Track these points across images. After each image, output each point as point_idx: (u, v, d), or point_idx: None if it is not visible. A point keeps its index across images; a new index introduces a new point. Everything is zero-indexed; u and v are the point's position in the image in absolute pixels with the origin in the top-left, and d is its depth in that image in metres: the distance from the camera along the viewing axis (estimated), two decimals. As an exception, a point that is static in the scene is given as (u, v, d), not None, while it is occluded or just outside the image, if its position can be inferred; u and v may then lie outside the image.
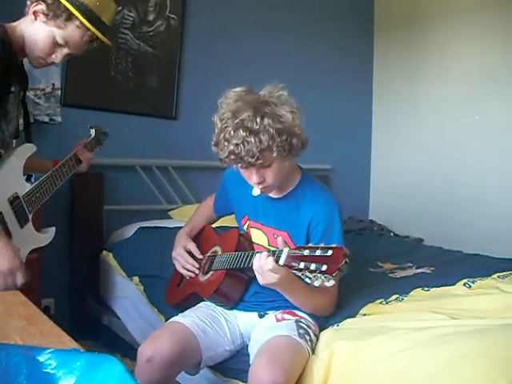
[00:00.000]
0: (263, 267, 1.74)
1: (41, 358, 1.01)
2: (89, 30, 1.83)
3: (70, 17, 1.80)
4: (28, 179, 2.13)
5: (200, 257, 2.24)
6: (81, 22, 1.81)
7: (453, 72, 4.35)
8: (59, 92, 3.35)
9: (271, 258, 1.71)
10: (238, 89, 1.90)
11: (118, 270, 3.10)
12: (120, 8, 3.57)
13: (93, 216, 3.42)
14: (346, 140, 4.64)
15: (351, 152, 4.70)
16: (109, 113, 3.46)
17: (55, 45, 1.85)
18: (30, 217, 1.97)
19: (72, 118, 3.34)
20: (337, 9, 4.56)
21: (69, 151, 2.27)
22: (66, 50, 1.86)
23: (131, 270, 2.98)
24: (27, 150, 2.01)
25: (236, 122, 1.79)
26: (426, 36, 4.51)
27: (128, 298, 3.04)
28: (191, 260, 2.25)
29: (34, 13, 1.83)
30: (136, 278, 2.89)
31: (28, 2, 1.86)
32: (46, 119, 3.30)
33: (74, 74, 3.43)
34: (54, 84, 3.34)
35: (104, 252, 3.30)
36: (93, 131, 2.42)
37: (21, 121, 2.24)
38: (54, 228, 2.10)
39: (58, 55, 1.87)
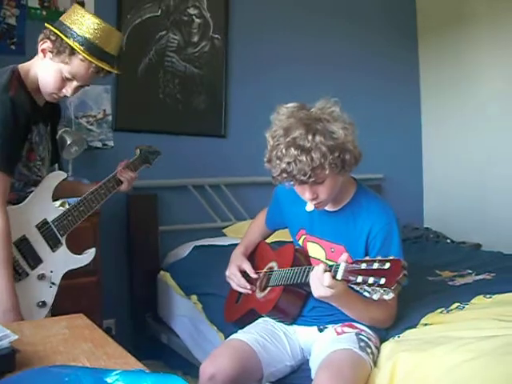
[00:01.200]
0: (319, 282, 1.74)
1: (109, 380, 1.03)
2: (92, 62, 1.87)
3: (72, 51, 1.85)
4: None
5: (255, 276, 2.24)
6: (84, 56, 1.85)
7: (502, 73, 4.26)
8: (110, 118, 3.44)
9: (328, 274, 1.70)
10: (290, 105, 1.90)
11: (175, 289, 3.13)
12: (165, 32, 3.64)
13: (148, 237, 3.48)
14: (396, 148, 4.59)
15: (402, 160, 4.64)
16: (159, 134, 3.52)
17: (64, 79, 1.90)
18: (64, 240, 2.03)
19: (124, 141, 3.41)
20: (378, 13, 4.52)
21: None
22: (75, 83, 1.92)
23: (189, 288, 3.01)
24: (56, 177, 2.07)
25: (288, 140, 1.79)
26: (472, 37, 4.42)
27: (186, 316, 3.07)
28: (243, 281, 2.25)
29: (43, 51, 1.90)
30: (194, 297, 2.92)
31: (39, 40, 1.92)
32: (99, 144, 3.39)
33: (123, 99, 3.52)
34: (104, 110, 3.43)
35: (161, 272, 3.35)
36: (137, 151, 2.44)
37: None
38: (93, 249, 2.14)
39: (69, 89, 1.93)
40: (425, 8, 4.79)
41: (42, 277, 1.96)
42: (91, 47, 1.85)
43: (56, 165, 2.28)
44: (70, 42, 1.83)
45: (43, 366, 1.13)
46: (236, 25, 3.89)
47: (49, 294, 1.98)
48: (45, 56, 1.90)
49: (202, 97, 3.79)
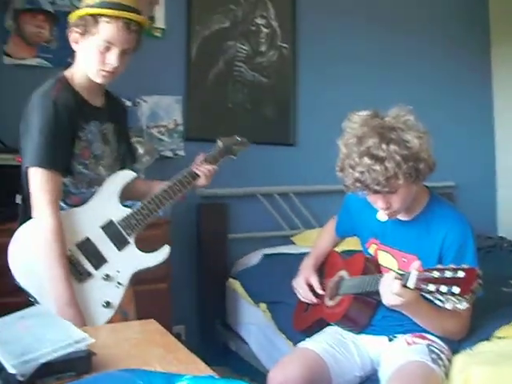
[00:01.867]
0: (388, 290, 1.72)
1: (180, 384, 1.05)
2: (117, 17, 1.84)
3: (95, 19, 1.84)
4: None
5: (321, 292, 2.23)
6: (106, 16, 1.84)
7: None
8: (181, 127, 3.52)
9: (397, 281, 1.69)
10: (362, 112, 1.88)
11: (244, 296, 3.16)
12: (233, 42, 3.70)
13: (218, 245, 3.52)
14: (468, 154, 4.47)
15: (474, 167, 4.52)
16: (228, 144, 3.56)
17: (103, 52, 1.88)
18: (132, 239, 1.98)
19: (194, 151, 3.41)
20: (450, 13, 4.42)
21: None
22: (115, 50, 1.88)
23: (258, 296, 3.03)
24: (124, 176, 2.05)
25: (361, 149, 1.78)
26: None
27: (255, 324, 3.09)
28: (310, 294, 2.24)
29: (75, 41, 1.91)
30: (263, 305, 2.93)
31: (67, 36, 1.94)
32: (170, 154, 3.47)
33: (193, 109, 3.59)
34: (175, 120, 3.52)
35: (230, 279, 3.39)
36: (219, 142, 2.34)
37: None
38: (167, 246, 2.04)
39: (112, 58, 1.89)
40: (498, 8, 4.64)
41: (107, 277, 1.91)
42: (108, 5, 1.84)
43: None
44: (88, 10, 1.85)
45: (117, 368, 1.17)
46: (304, 33, 3.90)
47: (115, 295, 1.92)
48: (78, 44, 1.91)
49: (271, 105, 3.81)
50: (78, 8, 1.93)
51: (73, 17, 1.90)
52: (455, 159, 4.26)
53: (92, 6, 1.86)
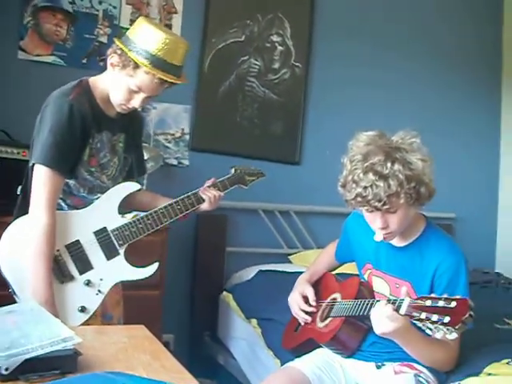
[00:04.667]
0: (380, 314, 1.71)
1: (162, 392, 1.05)
2: (155, 74, 1.89)
3: (136, 65, 1.88)
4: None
5: (313, 304, 2.23)
6: (146, 69, 1.88)
7: None
8: (188, 137, 3.53)
9: (390, 307, 1.69)
10: (370, 132, 1.90)
11: (236, 311, 3.15)
12: (247, 57, 3.72)
13: (215, 257, 3.52)
14: (470, 188, 4.46)
15: (476, 199, 4.50)
16: (234, 157, 3.56)
17: (131, 92, 1.94)
18: (122, 250, 2.01)
19: (199, 161, 3.49)
20: (461, 53, 4.45)
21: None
22: (142, 95, 1.95)
23: (250, 312, 3.03)
24: (127, 187, 2.09)
25: (366, 165, 1.79)
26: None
27: (245, 339, 3.08)
28: (303, 309, 2.23)
29: (111, 64, 1.95)
30: (254, 321, 2.92)
31: (108, 54, 1.99)
32: (175, 162, 3.48)
33: (202, 119, 3.60)
34: (183, 129, 3.53)
35: (224, 293, 3.38)
36: (232, 170, 2.35)
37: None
38: (156, 264, 2.06)
39: (137, 101, 1.96)
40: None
41: (88, 283, 1.95)
42: (154, 60, 1.87)
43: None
44: (133, 55, 1.88)
45: (102, 370, 1.16)
46: (317, 54, 3.92)
47: (93, 301, 1.96)
48: (114, 69, 1.95)
49: (279, 123, 3.83)
50: (123, 29, 1.95)
51: (119, 44, 1.92)
52: (457, 191, 4.25)
53: (138, 53, 1.88)
